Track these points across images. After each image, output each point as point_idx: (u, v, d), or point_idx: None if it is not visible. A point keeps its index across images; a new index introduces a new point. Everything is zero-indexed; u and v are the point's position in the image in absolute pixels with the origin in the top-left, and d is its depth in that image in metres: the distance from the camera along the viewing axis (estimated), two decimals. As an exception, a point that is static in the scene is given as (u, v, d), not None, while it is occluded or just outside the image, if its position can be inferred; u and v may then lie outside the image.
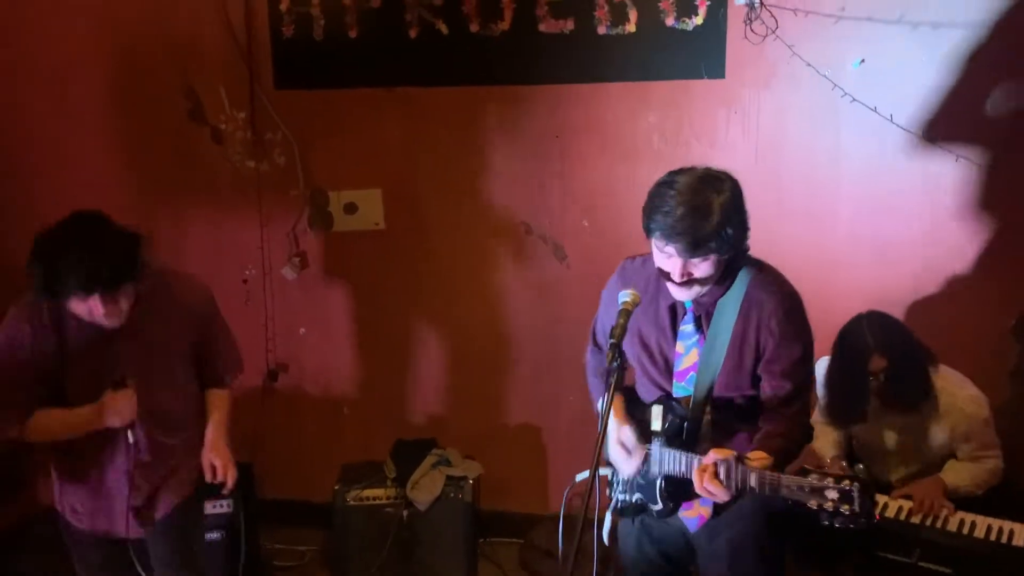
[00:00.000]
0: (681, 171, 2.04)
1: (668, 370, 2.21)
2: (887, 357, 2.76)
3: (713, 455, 2.00)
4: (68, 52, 3.81)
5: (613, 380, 1.96)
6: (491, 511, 3.89)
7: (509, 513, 3.91)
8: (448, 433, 3.89)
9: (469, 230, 3.78)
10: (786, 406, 2.12)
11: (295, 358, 4.02)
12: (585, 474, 2.39)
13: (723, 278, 2.11)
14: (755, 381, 2.16)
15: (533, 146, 3.64)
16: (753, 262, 2.17)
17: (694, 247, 1.96)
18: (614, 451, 2.26)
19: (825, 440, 3.03)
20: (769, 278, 2.16)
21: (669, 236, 1.97)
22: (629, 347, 2.26)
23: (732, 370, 2.13)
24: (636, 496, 2.28)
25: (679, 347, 2.19)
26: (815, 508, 1.85)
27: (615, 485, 2.39)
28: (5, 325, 2.42)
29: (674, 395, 2.22)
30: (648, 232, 2.05)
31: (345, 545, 3.60)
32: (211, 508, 3.34)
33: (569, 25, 3.44)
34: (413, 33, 3.56)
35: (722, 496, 1.99)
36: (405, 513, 3.53)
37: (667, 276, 2.07)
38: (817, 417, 3.09)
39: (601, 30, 3.43)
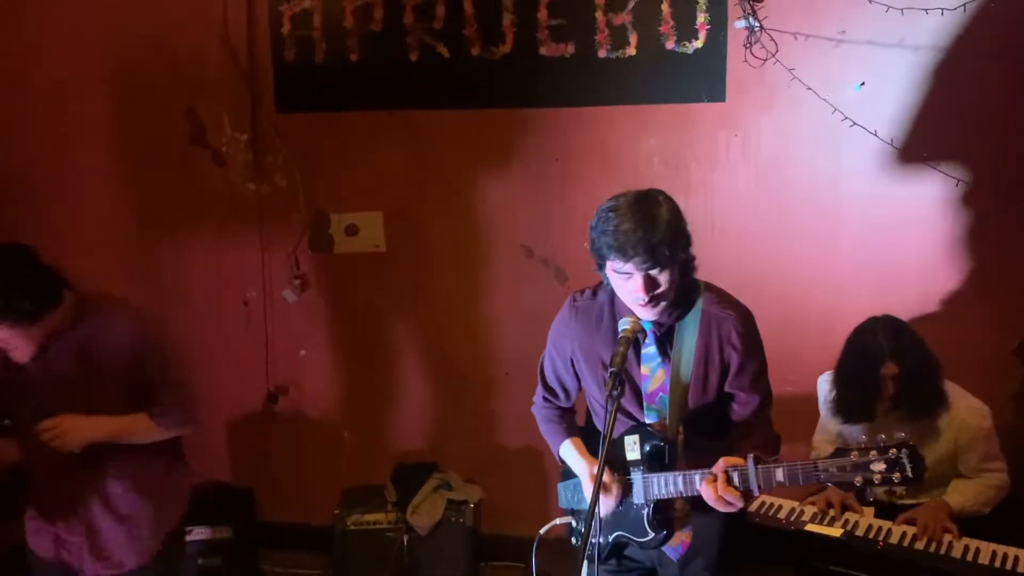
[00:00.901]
0: (615, 197, 2.09)
1: (636, 393, 2.21)
2: (899, 365, 2.78)
3: (723, 463, 2.01)
4: (70, 71, 3.83)
5: (614, 407, 1.95)
6: (492, 535, 3.86)
7: (510, 537, 3.87)
8: (449, 457, 3.88)
9: (470, 252, 3.78)
10: (756, 419, 2.19)
11: (295, 380, 4.01)
12: (549, 525, 2.37)
13: (678, 300, 2.14)
14: (721, 398, 2.20)
15: (534, 169, 3.64)
16: (701, 284, 2.21)
17: (651, 255, 1.98)
18: (590, 491, 2.21)
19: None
20: (723, 296, 2.21)
21: (624, 252, 1.99)
22: (592, 379, 2.28)
23: (700, 388, 2.17)
24: (615, 534, 2.25)
25: (644, 369, 2.20)
26: (859, 484, 1.86)
27: (579, 533, 2.38)
28: None
29: (645, 420, 2.22)
30: (602, 259, 2.08)
31: (346, 570, 3.58)
32: (211, 534, 3.33)
33: (570, 49, 3.46)
34: (414, 56, 3.57)
35: (739, 503, 2.00)
36: (406, 538, 3.51)
37: (634, 299, 2.08)
38: (816, 443, 3.09)
39: (601, 53, 3.44)
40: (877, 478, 1.85)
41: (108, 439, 2.39)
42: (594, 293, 2.29)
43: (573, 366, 2.33)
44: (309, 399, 4.02)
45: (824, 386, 3.06)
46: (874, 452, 1.86)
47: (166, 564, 2.60)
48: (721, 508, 2.03)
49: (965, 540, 2.70)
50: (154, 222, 3.92)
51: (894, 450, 1.84)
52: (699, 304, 2.17)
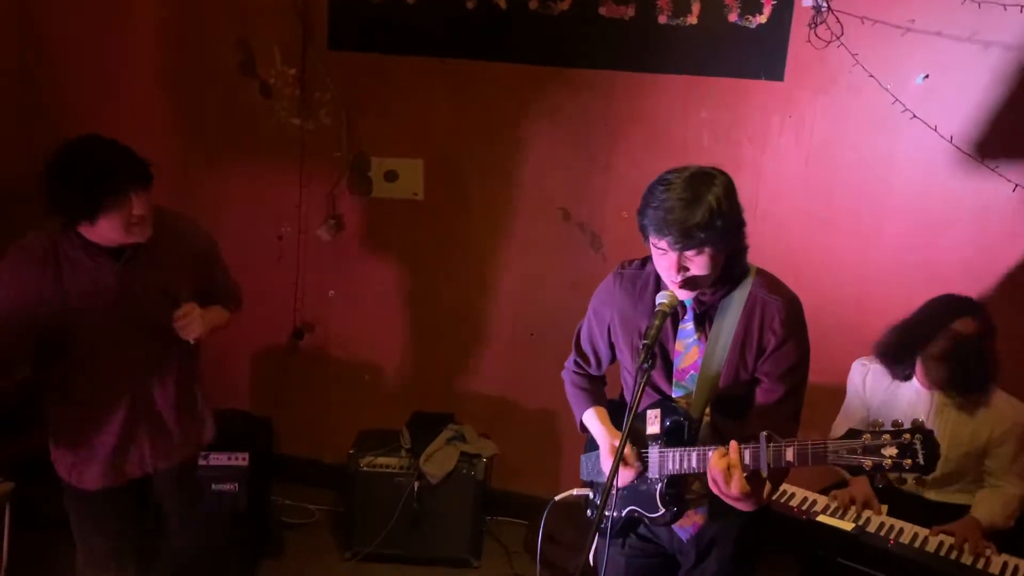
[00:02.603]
0: (674, 170, 2.04)
1: (667, 369, 2.19)
2: (977, 324, 2.77)
3: (736, 443, 1.99)
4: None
5: (644, 380, 1.94)
6: (501, 490, 3.90)
7: (518, 494, 3.92)
8: (466, 410, 3.90)
9: (507, 210, 3.75)
10: (776, 411, 2.11)
11: (322, 319, 4.04)
12: (566, 493, 2.38)
13: (725, 279, 2.10)
14: (754, 384, 2.15)
15: (580, 131, 3.59)
16: (754, 268, 2.16)
17: (685, 237, 1.94)
18: (607, 463, 2.22)
19: None
20: (773, 282, 2.16)
21: (660, 229, 1.97)
22: (627, 350, 2.25)
23: (735, 369, 2.12)
24: (627, 509, 2.25)
25: (679, 346, 2.17)
26: (869, 468, 1.81)
27: (595, 506, 2.37)
28: (6, 267, 2.35)
29: (673, 395, 2.20)
30: (643, 230, 2.04)
31: (354, 509, 3.62)
32: (227, 460, 3.38)
33: (630, 11, 3.39)
34: (471, 4, 3.52)
35: (736, 490, 1.95)
36: (416, 484, 3.54)
37: (667, 276, 2.06)
38: (845, 411, 3.06)
39: (662, 19, 3.37)
40: (888, 463, 1.78)
41: (215, 328, 2.60)
42: (643, 264, 2.25)
43: (610, 335, 2.31)
44: (334, 339, 4.05)
45: (858, 368, 3.04)
46: (887, 436, 1.79)
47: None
48: (724, 490, 1.98)
49: (1004, 556, 2.67)
50: (196, 148, 3.93)
51: (908, 435, 1.77)
52: (747, 286, 2.11)
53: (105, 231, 2.29)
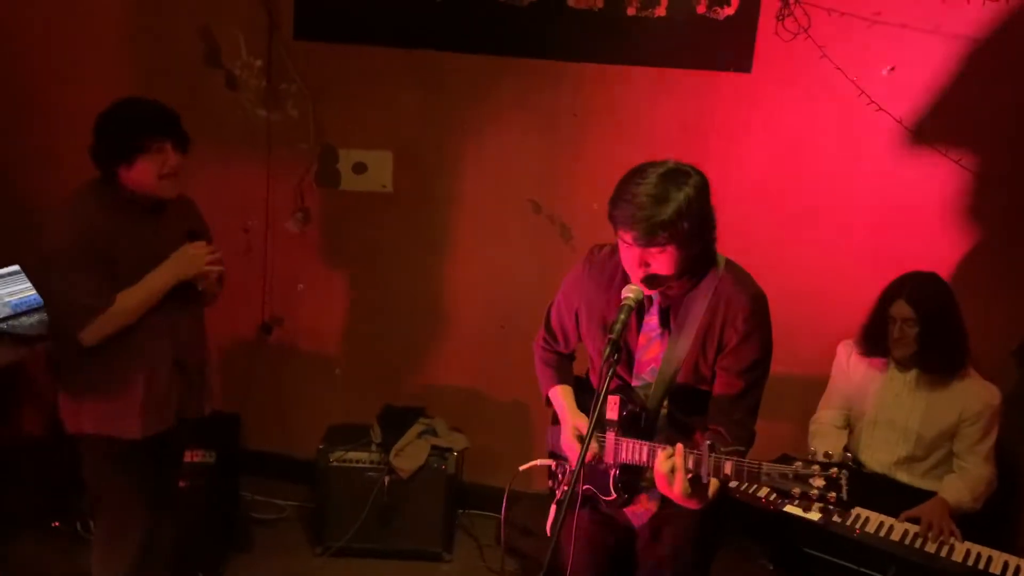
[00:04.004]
0: (651, 164, 2.04)
1: (629, 361, 2.21)
2: (914, 309, 2.86)
3: (681, 446, 2.00)
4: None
5: (610, 374, 1.95)
6: (473, 483, 3.89)
7: (491, 487, 3.91)
8: (437, 403, 3.88)
9: (476, 201, 3.74)
10: (734, 406, 2.13)
11: (291, 313, 4.00)
12: (530, 464, 2.43)
13: (692, 273, 2.11)
14: (714, 376, 2.17)
15: (549, 123, 3.58)
16: (723, 260, 2.17)
17: (648, 234, 1.95)
18: (570, 440, 2.26)
19: (823, 442, 3.02)
20: (739, 277, 2.16)
21: (626, 223, 1.97)
22: (590, 335, 2.27)
23: (694, 364, 2.14)
24: (584, 486, 2.27)
25: (641, 338, 2.19)
26: (797, 495, 1.85)
27: (560, 477, 2.40)
28: (75, 209, 2.50)
29: (633, 384, 2.21)
30: (612, 220, 2.05)
31: (324, 505, 3.60)
32: (195, 456, 3.34)
33: (598, 3, 3.38)
34: (439, -5, 3.49)
35: (679, 489, 1.97)
36: (387, 479, 3.52)
37: (630, 269, 2.08)
38: (820, 418, 3.11)
39: (631, 11, 3.37)
40: (814, 493, 1.83)
41: (215, 291, 2.76)
42: (613, 251, 2.24)
43: (576, 319, 2.32)
44: (303, 333, 4.02)
45: (843, 348, 3.12)
46: (816, 467, 1.84)
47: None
48: (667, 490, 2.00)
49: (967, 544, 2.71)
50: (160, 138, 3.86)
51: (835, 469, 1.82)
52: (713, 280, 2.12)
53: (140, 175, 2.47)
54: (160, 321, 2.58)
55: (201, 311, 2.79)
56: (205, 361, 2.83)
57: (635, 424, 2.16)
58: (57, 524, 3.51)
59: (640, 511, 2.28)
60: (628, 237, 1.99)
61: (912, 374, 2.97)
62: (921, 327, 2.87)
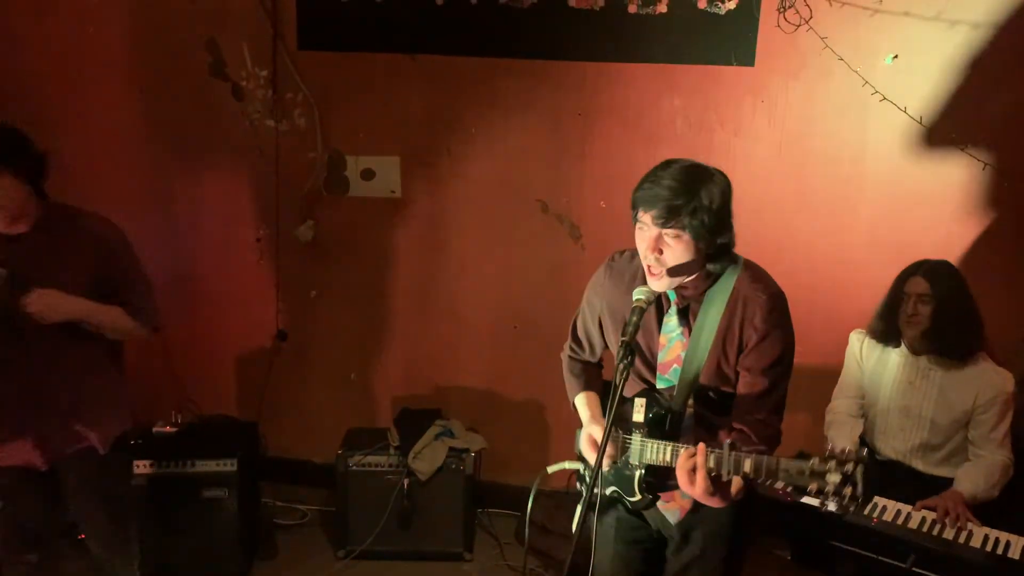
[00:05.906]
0: (680, 159, 2.08)
1: (651, 362, 2.23)
2: (931, 285, 2.87)
3: (703, 445, 2.03)
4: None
5: (624, 377, 1.97)
6: (491, 482, 3.93)
7: (508, 486, 3.95)
8: (453, 405, 3.92)
9: (485, 204, 3.76)
10: (757, 405, 2.14)
11: (305, 320, 4.03)
12: (557, 466, 2.45)
13: (709, 272, 2.13)
14: (737, 376, 2.18)
15: (555, 123, 3.60)
16: (741, 260, 2.19)
17: (667, 214, 1.99)
18: (585, 446, 2.30)
19: (839, 431, 3.05)
20: (758, 275, 2.17)
21: (648, 201, 2.01)
22: (615, 338, 2.29)
23: (716, 364, 2.15)
24: (610, 489, 2.31)
25: (662, 339, 2.20)
26: (812, 491, 1.88)
27: (586, 480, 2.42)
28: None
29: (657, 386, 2.23)
30: (633, 205, 2.08)
31: (345, 509, 3.64)
32: (216, 466, 3.39)
33: (599, 2, 3.39)
34: (440, 0, 3.50)
35: (702, 488, 2.00)
36: (406, 481, 3.56)
37: (643, 255, 2.10)
38: (835, 408, 3.12)
39: (632, 9, 3.37)
40: (830, 488, 1.86)
41: (84, 317, 2.51)
42: (633, 255, 2.26)
43: (600, 324, 2.34)
44: (318, 339, 4.05)
45: (855, 336, 3.13)
46: (833, 463, 1.86)
47: (112, 471, 2.75)
48: (688, 486, 2.02)
49: (985, 529, 2.72)
50: (170, 153, 3.89)
51: (851, 465, 1.84)
52: (731, 279, 2.13)
53: None
54: (14, 355, 2.47)
55: (98, 348, 2.60)
56: (98, 394, 2.64)
57: (661, 426, 2.18)
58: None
59: (675, 508, 2.30)
60: (647, 217, 2.02)
61: (925, 360, 2.97)
62: (936, 304, 2.86)
